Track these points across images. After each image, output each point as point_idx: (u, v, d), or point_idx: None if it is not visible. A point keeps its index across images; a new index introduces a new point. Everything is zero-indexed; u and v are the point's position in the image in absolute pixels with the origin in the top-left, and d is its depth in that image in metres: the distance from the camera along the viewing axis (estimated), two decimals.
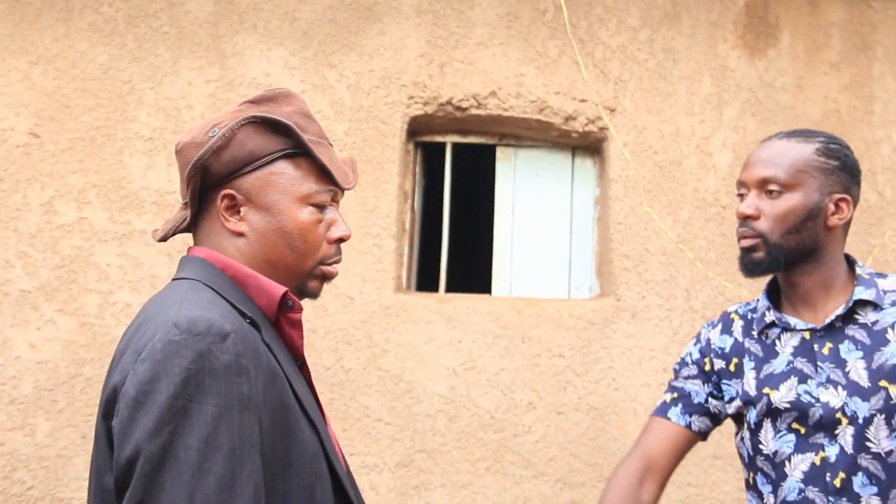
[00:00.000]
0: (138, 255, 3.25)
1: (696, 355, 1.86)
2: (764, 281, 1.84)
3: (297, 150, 1.34)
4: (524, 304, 3.43)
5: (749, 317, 1.83)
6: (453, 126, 3.61)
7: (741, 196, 1.74)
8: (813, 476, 1.63)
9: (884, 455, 1.58)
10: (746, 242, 1.70)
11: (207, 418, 1.12)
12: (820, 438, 1.64)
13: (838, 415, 1.62)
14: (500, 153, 3.68)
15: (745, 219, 1.71)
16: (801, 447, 1.66)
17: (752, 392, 1.74)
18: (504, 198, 3.65)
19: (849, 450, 1.60)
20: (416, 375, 3.32)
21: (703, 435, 1.84)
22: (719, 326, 1.87)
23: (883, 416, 1.59)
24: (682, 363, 1.88)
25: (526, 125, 3.57)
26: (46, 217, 3.24)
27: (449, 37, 3.51)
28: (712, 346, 1.85)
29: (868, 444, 1.59)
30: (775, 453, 1.69)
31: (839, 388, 1.64)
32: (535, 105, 3.52)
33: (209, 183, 1.33)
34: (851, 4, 3.75)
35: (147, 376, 1.12)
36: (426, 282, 3.85)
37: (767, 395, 1.71)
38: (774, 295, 1.80)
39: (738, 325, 1.84)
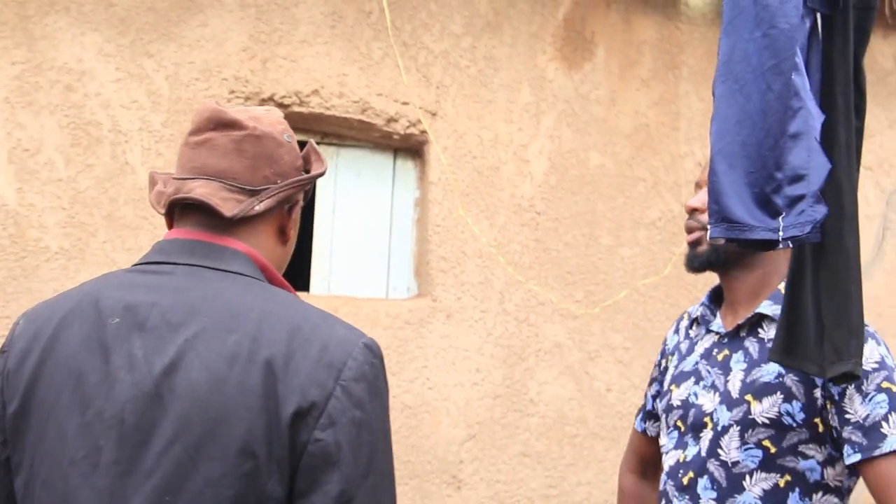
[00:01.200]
0: None
1: (658, 357, 2.04)
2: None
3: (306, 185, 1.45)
4: (341, 303, 3.55)
5: (693, 314, 1.96)
6: None
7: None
8: (673, 471, 1.78)
9: (730, 464, 1.68)
10: (692, 237, 1.83)
11: (389, 434, 1.30)
12: (689, 438, 1.77)
13: (706, 419, 1.74)
14: (322, 152, 3.80)
15: (692, 212, 1.84)
16: (677, 444, 1.81)
17: (665, 387, 1.91)
18: (325, 196, 3.77)
19: (703, 453, 1.72)
20: None
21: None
22: (673, 326, 2.03)
23: (739, 427, 1.67)
24: (654, 365, 2.06)
25: (348, 125, 3.71)
26: None
27: (272, 32, 3.60)
28: (666, 346, 2.01)
29: (719, 451, 1.70)
30: (663, 446, 1.86)
31: (716, 394, 1.74)
32: (357, 105, 3.66)
33: (304, 187, 1.43)
34: (662, 25, 4.10)
35: (367, 396, 1.24)
36: None
37: (670, 391, 1.87)
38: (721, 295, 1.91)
39: (683, 323, 1.98)
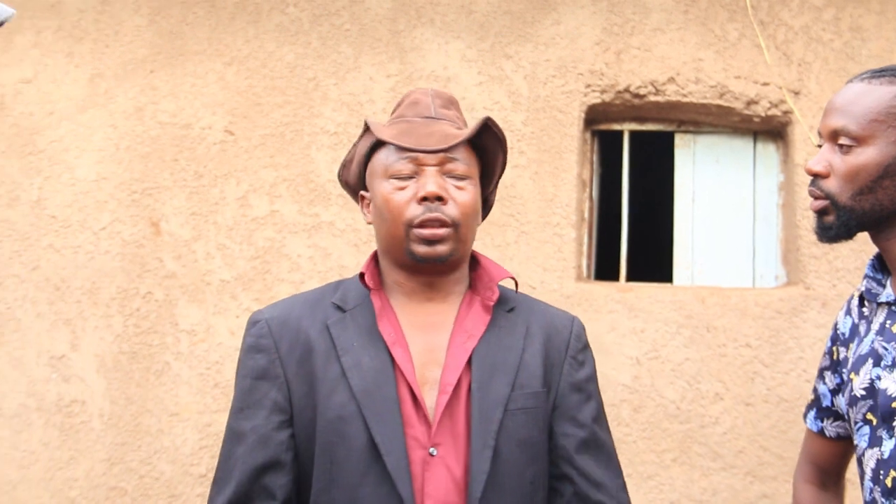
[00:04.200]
0: (326, 246, 3.65)
1: (829, 343, 1.77)
2: None
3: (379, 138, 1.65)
4: (707, 293, 3.65)
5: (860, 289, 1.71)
6: (630, 114, 3.87)
7: (819, 147, 1.63)
8: (875, 474, 1.53)
9: None
10: (816, 205, 1.61)
11: (236, 386, 1.67)
12: (882, 431, 1.52)
13: (895, 404, 1.49)
14: (679, 140, 3.92)
15: (814, 176, 1.60)
16: (870, 441, 1.55)
17: (845, 377, 1.65)
18: (683, 185, 3.88)
19: None
20: (598, 365, 3.56)
21: (843, 439, 1.77)
22: (844, 307, 1.76)
23: None
24: (823, 353, 1.80)
25: (705, 111, 3.80)
26: (242, 210, 3.68)
27: (625, 24, 3.78)
28: (837, 331, 1.75)
29: None
30: (857, 448, 1.60)
31: None
32: (714, 90, 3.74)
33: (357, 191, 1.76)
34: None
35: None
36: (605, 271, 4.12)
37: (851, 380, 1.62)
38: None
39: (854, 303, 1.72)
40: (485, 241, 3.64)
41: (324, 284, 1.77)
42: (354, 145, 1.71)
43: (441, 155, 1.61)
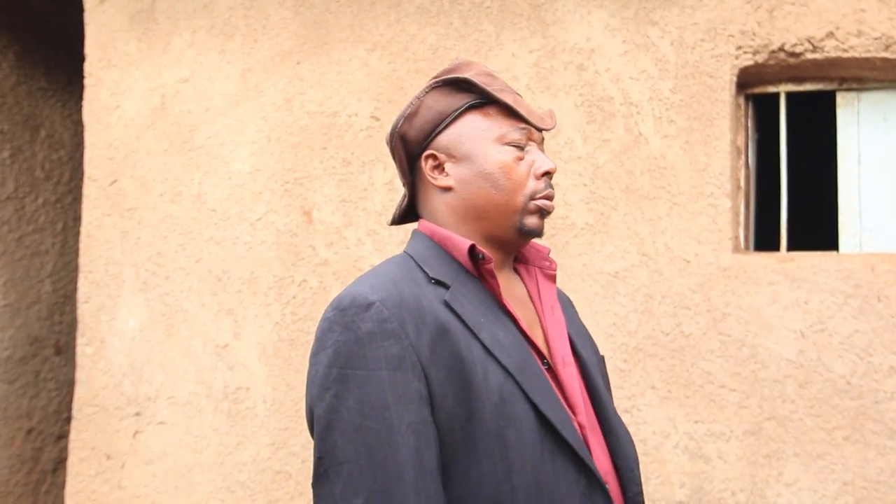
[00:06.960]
0: None
1: None
2: None
3: (482, 99, 1.62)
4: (878, 261, 3.46)
5: None
6: (786, 74, 3.71)
7: None
8: None
9: None
10: None
11: (360, 381, 1.41)
12: None
13: None
14: (841, 99, 3.73)
15: None
16: None
17: None
18: (847, 146, 3.69)
19: None
20: (760, 339, 3.47)
21: None
22: None
23: None
24: None
25: (869, 66, 3.59)
26: (389, 195, 3.75)
27: None
28: None
29: None
30: None
31: None
32: (879, 42, 3.53)
33: (412, 151, 1.66)
34: None
35: (313, 350, 1.49)
36: (764, 241, 3.97)
37: None
38: None
39: None
40: (635, 216, 3.57)
41: (385, 262, 1.63)
42: (419, 98, 1.66)
43: (542, 133, 1.68)
